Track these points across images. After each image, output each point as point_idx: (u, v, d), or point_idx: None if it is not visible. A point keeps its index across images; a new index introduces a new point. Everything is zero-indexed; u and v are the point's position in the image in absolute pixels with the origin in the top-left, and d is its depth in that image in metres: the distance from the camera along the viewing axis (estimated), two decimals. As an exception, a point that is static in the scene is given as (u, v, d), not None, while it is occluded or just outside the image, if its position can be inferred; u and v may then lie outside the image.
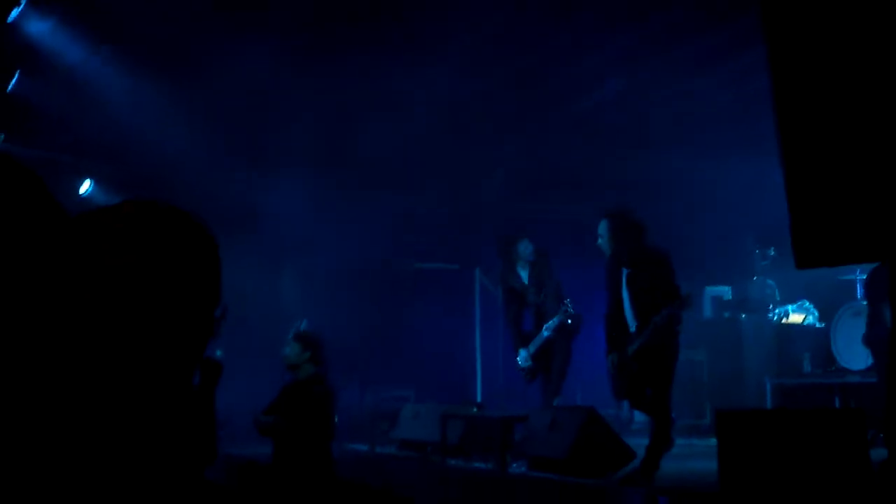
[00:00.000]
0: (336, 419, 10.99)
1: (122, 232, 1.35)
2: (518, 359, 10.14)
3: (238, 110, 11.38)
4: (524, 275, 10.36)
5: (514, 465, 8.47)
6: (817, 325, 12.19)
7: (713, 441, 9.63)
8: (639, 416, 13.08)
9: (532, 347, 10.01)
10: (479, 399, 12.25)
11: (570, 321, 9.79)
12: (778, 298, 12.62)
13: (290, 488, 7.38)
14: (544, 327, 9.90)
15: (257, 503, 7.30)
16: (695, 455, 9.77)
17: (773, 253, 12.56)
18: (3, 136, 9.53)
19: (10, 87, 9.33)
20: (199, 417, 1.21)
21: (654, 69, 11.21)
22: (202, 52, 9.97)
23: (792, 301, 12.35)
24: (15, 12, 7.88)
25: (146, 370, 1.32)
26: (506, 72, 11.29)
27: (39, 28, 9.05)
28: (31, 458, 1.05)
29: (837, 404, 11.56)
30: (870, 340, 10.08)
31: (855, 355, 11.22)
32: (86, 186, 11.96)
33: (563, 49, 10.78)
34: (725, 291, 13.31)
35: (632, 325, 8.20)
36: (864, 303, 10.67)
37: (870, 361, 10.90)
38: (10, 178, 1.06)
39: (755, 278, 12.88)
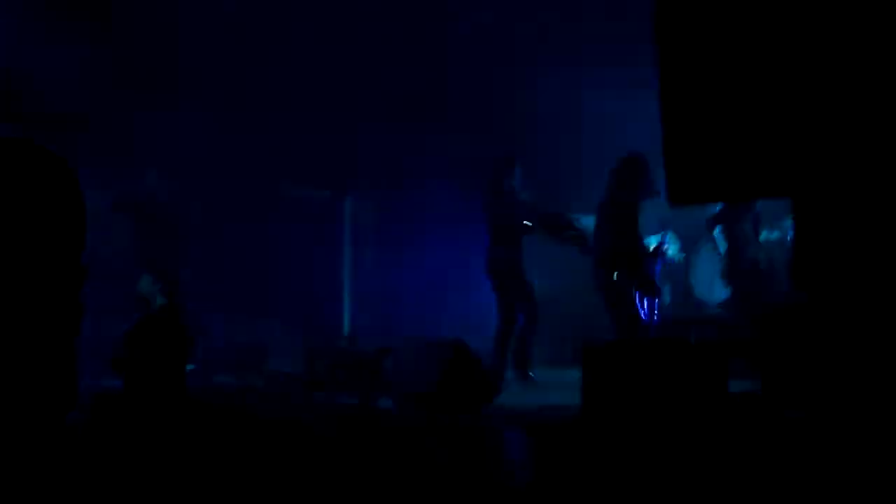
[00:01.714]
0: (199, 352, 10.89)
1: None
2: None
3: (105, 22, 10.93)
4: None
5: (381, 400, 8.46)
6: (677, 257, 12.45)
7: (574, 373, 9.88)
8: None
9: None
10: (346, 332, 12.21)
11: None
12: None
13: (141, 413, 7.31)
14: None
15: (109, 435, 7.18)
16: (560, 388, 9.93)
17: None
18: None
19: None
20: (60, 363, 1.17)
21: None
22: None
23: (654, 232, 12.59)
24: None
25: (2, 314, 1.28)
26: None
27: None
28: None
29: (693, 338, 11.91)
30: (730, 270, 10.40)
31: (713, 290, 11.54)
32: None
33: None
34: (589, 221, 13.44)
35: None
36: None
37: (725, 295, 11.24)
38: None
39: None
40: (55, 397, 1.35)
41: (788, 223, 10.17)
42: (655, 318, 9.21)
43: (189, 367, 8.14)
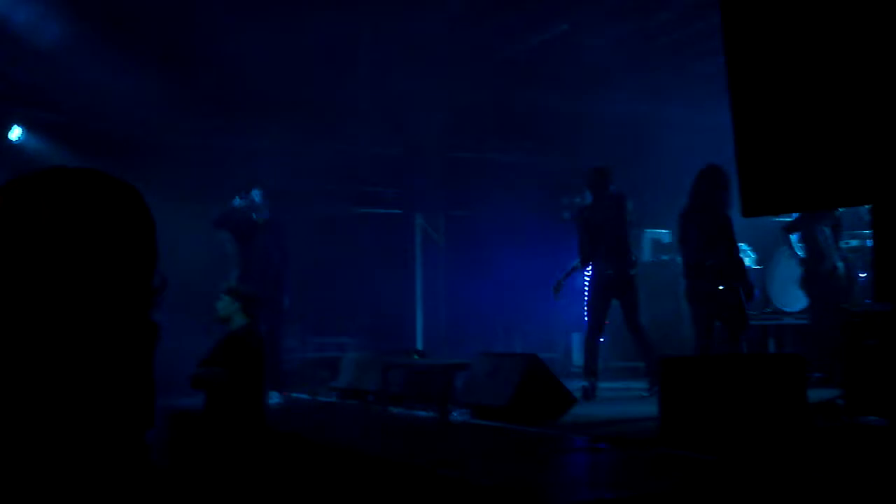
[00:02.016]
0: (274, 369, 11.02)
1: (49, 202, 1.31)
2: None
3: (177, 50, 11.13)
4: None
5: (456, 413, 8.48)
6: (754, 267, 12.31)
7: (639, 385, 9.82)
8: (577, 360, 13.23)
9: None
10: (419, 346, 12.25)
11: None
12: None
13: (220, 437, 7.41)
14: None
15: (193, 454, 7.27)
16: (634, 399, 9.88)
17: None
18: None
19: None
20: (137, 382, 1.19)
21: (594, 11, 11.14)
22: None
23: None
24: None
25: (78, 338, 1.29)
26: (448, 13, 11.17)
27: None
28: None
29: (772, 346, 11.77)
30: (808, 279, 10.26)
31: (790, 297, 11.38)
32: (16, 133, 11.64)
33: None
34: (664, 234, 13.39)
35: None
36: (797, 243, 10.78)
37: (804, 303, 11.08)
38: None
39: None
40: (133, 416, 1.36)
41: (868, 231, 10.01)
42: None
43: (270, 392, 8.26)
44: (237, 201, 10.55)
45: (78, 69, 10.82)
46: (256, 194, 10.60)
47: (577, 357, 13.05)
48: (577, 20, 11.51)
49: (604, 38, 11.78)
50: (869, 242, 10.05)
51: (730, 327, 9.15)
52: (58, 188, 1.34)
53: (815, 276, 10.45)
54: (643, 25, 11.50)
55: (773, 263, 11.58)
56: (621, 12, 11.02)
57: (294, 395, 10.98)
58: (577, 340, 13.47)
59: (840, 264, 10.41)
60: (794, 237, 10.74)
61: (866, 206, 9.36)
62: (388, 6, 10.79)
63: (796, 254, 10.71)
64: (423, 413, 8.71)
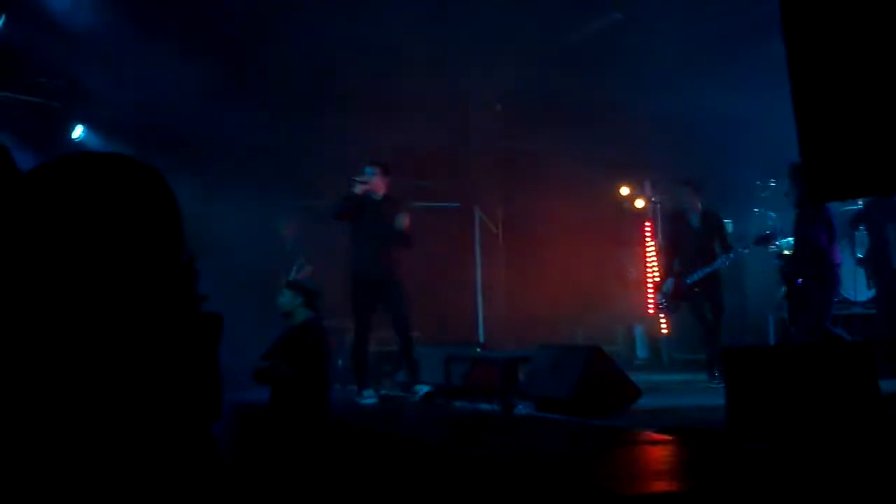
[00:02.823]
0: (339, 363, 11.07)
1: (73, 186, 1.32)
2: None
3: (235, 45, 11.22)
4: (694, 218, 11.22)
5: (520, 405, 8.45)
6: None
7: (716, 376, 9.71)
8: (640, 353, 13.14)
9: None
10: (481, 339, 12.22)
11: None
12: (780, 230, 12.52)
13: (287, 432, 7.45)
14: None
15: (259, 449, 7.33)
16: (698, 391, 9.79)
17: (773, 184, 12.45)
18: (-8, 84, 9.38)
19: (-4, 32, 9.15)
20: (204, 374, 1.20)
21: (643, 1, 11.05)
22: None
23: (789, 234, 12.26)
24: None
25: (133, 326, 1.30)
26: (497, 4, 11.13)
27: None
28: (30, 415, 1.01)
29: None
30: (875, 269, 10.08)
31: (858, 286, 11.19)
32: (78, 132, 11.82)
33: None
34: (728, 224, 13.21)
35: None
36: (864, 232, 10.64)
37: (872, 293, 10.88)
38: None
39: (756, 211, 12.78)
40: (200, 407, 1.36)
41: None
42: None
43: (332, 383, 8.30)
44: (356, 187, 9.94)
45: (137, 67, 10.95)
46: (370, 172, 10.09)
47: (641, 349, 12.96)
48: (631, 9, 11.39)
49: (658, 27, 11.65)
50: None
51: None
52: (84, 172, 1.34)
53: (881, 267, 10.28)
54: (697, 14, 11.34)
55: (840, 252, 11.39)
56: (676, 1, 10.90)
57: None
58: (639, 333, 13.37)
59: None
60: (860, 229, 10.61)
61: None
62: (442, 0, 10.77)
63: (855, 246, 10.58)
64: (486, 406, 8.68)
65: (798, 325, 9.16)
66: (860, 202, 10.98)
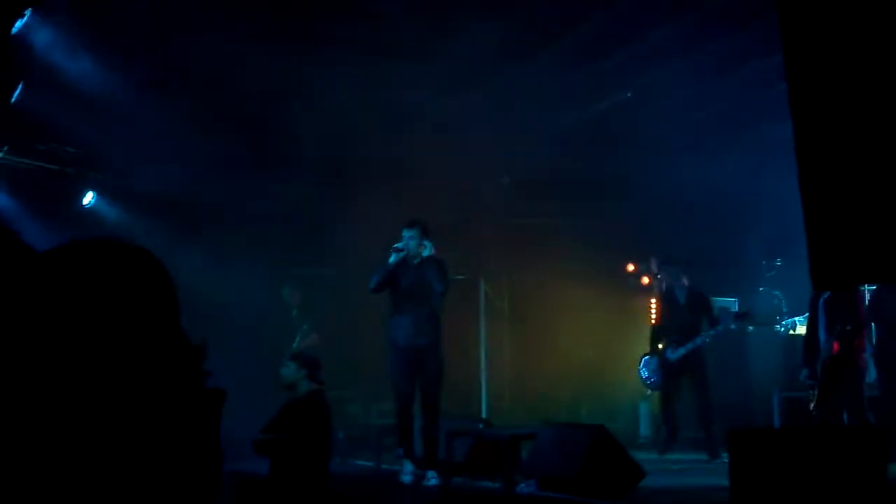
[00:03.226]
0: (340, 435, 10.98)
1: (81, 271, 1.36)
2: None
3: (246, 116, 11.35)
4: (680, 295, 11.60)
5: (523, 484, 8.37)
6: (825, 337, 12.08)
7: (723, 457, 9.63)
8: (644, 431, 13.04)
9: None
10: (484, 415, 12.15)
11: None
12: (785, 310, 12.51)
13: (286, 502, 7.37)
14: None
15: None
16: (702, 472, 9.69)
17: (779, 263, 12.48)
18: (6, 149, 9.47)
19: (13, 98, 9.25)
20: (206, 450, 1.19)
21: (655, 78, 11.14)
22: (205, 62, 9.93)
23: (799, 312, 12.22)
24: (19, 24, 7.81)
25: (135, 405, 1.32)
26: (507, 80, 11.26)
27: (42, 40, 8.98)
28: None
29: (846, 417, 11.47)
30: (881, 357, 10.04)
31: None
32: (89, 198, 11.90)
33: (569, 55, 10.75)
34: (732, 303, 13.21)
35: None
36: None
37: (874, 375, 10.82)
38: None
39: (761, 289, 12.79)
40: (202, 485, 1.37)
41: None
42: None
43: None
44: (393, 257, 9.43)
45: (149, 135, 11.07)
46: (408, 234, 9.54)
47: (644, 427, 12.87)
48: (641, 88, 11.50)
49: (667, 106, 11.77)
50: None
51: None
52: (94, 258, 1.38)
53: (885, 351, 10.26)
54: (706, 94, 11.45)
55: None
56: (683, 79, 11.00)
57: (358, 462, 10.95)
58: (644, 410, 13.28)
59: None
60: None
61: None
62: (451, 74, 10.91)
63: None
64: (488, 483, 8.61)
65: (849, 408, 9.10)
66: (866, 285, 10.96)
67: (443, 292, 9.51)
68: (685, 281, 11.53)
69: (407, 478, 9.13)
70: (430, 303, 9.52)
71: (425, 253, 9.53)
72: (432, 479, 8.98)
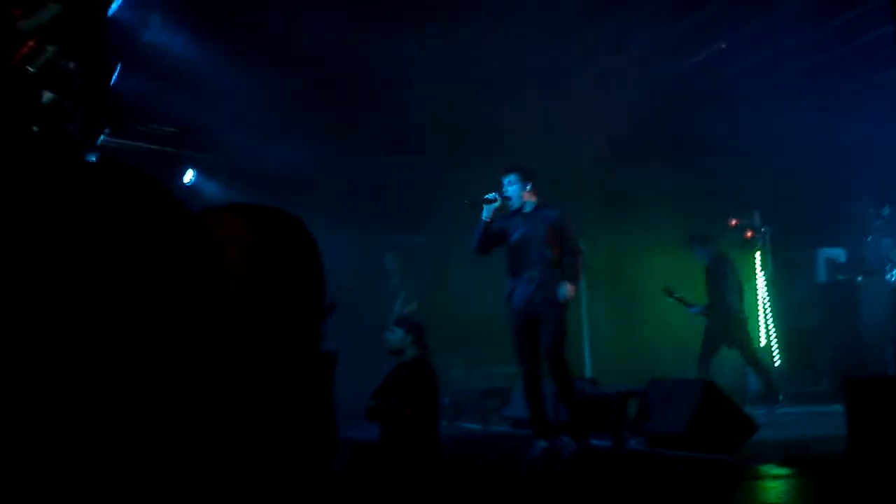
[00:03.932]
0: (445, 400, 11.05)
1: (234, 235, 1.40)
2: None
3: (342, 89, 11.42)
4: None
5: (632, 441, 8.31)
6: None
7: (832, 408, 9.44)
8: (752, 386, 12.84)
9: None
10: (588, 374, 12.09)
11: None
12: (894, 259, 12.17)
13: (399, 470, 7.44)
14: None
15: (372, 487, 7.35)
16: (815, 424, 9.52)
17: (887, 212, 12.12)
18: (108, 131, 9.67)
19: (112, 81, 9.43)
20: (321, 412, 1.22)
21: (749, 28, 10.89)
22: (301, 35, 10.00)
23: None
24: (115, 6, 7.95)
25: (265, 367, 1.35)
26: (596, 36, 11.13)
27: (139, 20, 9.14)
28: (168, 454, 1.02)
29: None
30: None
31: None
32: (189, 176, 12.12)
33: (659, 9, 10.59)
34: (840, 253, 12.90)
35: None
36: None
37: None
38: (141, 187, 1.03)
39: (870, 238, 12.45)
40: (318, 446, 1.38)
41: None
42: None
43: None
44: (485, 211, 8.41)
45: (244, 112, 11.21)
46: (507, 182, 8.47)
47: (752, 383, 12.66)
48: (735, 37, 11.25)
49: (764, 55, 11.49)
50: None
51: None
52: (241, 222, 1.39)
53: None
54: (807, 40, 11.15)
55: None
56: (779, 28, 10.72)
57: (465, 424, 11.01)
58: (751, 365, 13.10)
59: None
60: None
61: None
62: (547, 32, 10.80)
63: None
64: (596, 442, 8.56)
65: None
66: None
67: (568, 247, 8.32)
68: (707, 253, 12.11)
69: (535, 453, 8.20)
70: (548, 255, 8.27)
71: (532, 201, 8.46)
72: (569, 445, 8.12)
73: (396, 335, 7.90)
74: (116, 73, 9.46)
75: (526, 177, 8.49)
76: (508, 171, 8.53)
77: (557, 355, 8.19)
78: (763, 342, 13.00)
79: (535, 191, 8.52)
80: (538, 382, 8.34)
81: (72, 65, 6.51)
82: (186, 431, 1.00)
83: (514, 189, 8.42)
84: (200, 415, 1.01)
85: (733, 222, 13.76)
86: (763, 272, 13.42)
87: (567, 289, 8.11)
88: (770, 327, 13.12)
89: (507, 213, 8.47)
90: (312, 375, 1.43)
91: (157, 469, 0.98)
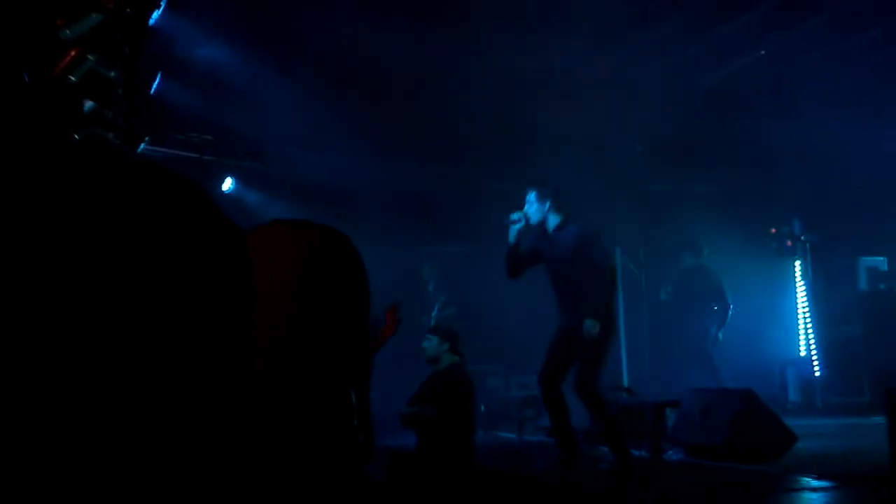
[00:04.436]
0: (482, 408, 11.05)
1: (284, 252, 1.42)
2: None
3: (380, 96, 11.46)
4: None
5: (670, 451, 8.25)
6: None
7: (874, 419, 9.32)
8: (792, 397, 12.73)
9: None
10: (626, 383, 12.03)
11: None
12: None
13: (434, 477, 7.44)
14: None
15: (408, 494, 7.37)
16: (858, 435, 9.40)
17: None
18: (148, 140, 9.76)
19: (152, 89, 9.52)
20: (359, 418, 1.25)
21: (793, 35, 10.82)
22: (338, 45, 10.06)
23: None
24: (156, 15, 8.01)
25: (308, 378, 1.38)
26: (635, 44, 11.09)
27: (179, 29, 9.22)
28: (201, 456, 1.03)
29: None
30: None
31: None
32: (228, 184, 12.19)
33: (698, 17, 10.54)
34: (881, 262, 12.77)
35: None
36: None
37: None
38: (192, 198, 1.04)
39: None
40: (354, 450, 1.41)
41: None
42: None
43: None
44: (512, 234, 8.03)
45: (284, 120, 11.28)
46: (528, 201, 8.07)
47: (793, 393, 12.56)
48: (775, 45, 11.18)
49: (802, 60, 11.42)
50: None
51: None
52: (300, 240, 1.42)
53: None
54: (846, 47, 11.07)
55: None
56: (816, 37, 10.66)
57: (501, 434, 10.99)
58: (791, 374, 12.96)
59: None
60: None
61: None
62: (582, 39, 10.78)
63: None
64: (634, 452, 8.50)
65: None
66: None
67: (589, 268, 7.78)
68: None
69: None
70: (571, 277, 7.87)
71: (554, 219, 8.01)
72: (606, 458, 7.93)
73: (432, 343, 7.94)
74: (157, 82, 9.55)
75: (544, 194, 8.03)
76: (530, 188, 8.12)
77: (585, 387, 7.74)
78: (803, 352, 12.89)
79: (559, 206, 8.04)
80: (555, 398, 7.89)
81: (113, 74, 6.57)
82: (197, 437, 1.00)
83: (534, 208, 8.02)
84: (213, 419, 1.02)
85: (773, 230, 13.67)
86: (804, 281, 13.31)
87: (589, 325, 7.55)
88: (810, 337, 13.01)
89: (538, 231, 8.11)
90: (353, 384, 1.46)
91: (182, 472, 0.98)
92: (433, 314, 11.67)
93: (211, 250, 1.01)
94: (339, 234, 1.50)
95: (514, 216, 7.97)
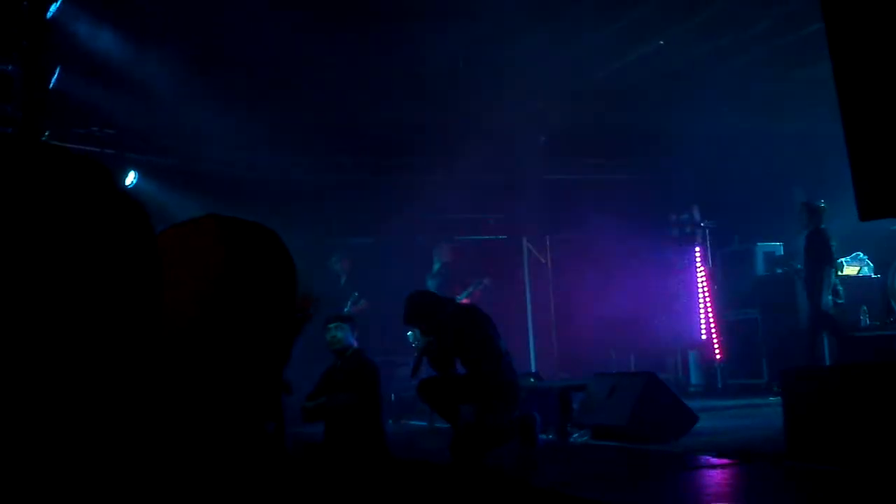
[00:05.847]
0: (392, 397, 11.09)
1: (207, 248, 1.39)
2: None
3: (285, 87, 11.41)
4: None
5: (576, 434, 8.43)
6: (873, 276, 11.99)
7: (771, 400, 9.65)
8: (694, 380, 13.07)
9: None
10: (533, 368, 12.21)
11: None
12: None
13: (344, 465, 7.42)
14: None
15: (319, 483, 7.38)
16: (755, 415, 9.71)
17: (822, 205, 12.37)
18: (47, 134, 9.58)
19: (51, 83, 9.35)
20: (271, 408, 1.26)
21: (688, 26, 11.06)
22: (235, 38, 10.00)
23: (845, 253, 12.10)
24: (53, 8, 7.88)
25: (221, 373, 1.35)
26: (540, 36, 11.22)
27: (78, 22, 9.07)
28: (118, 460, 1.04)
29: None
30: None
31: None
32: (130, 178, 12.02)
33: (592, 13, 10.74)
34: (777, 247, 13.14)
35: None
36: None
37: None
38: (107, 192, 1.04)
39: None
40: (265, 441, 1.41)
41: None
42: None
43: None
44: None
45: (185, 114, 11.16)
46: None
47: (694, 375, 12.89)
48: (673, 35, 11.41)
49: (700, 51, 11.67)
50: None
51: None
52: (224, 237, 1.43)
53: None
54: (737, 38, 11.36)
55: (893, 271, 11.26)
56: (714, 26, 10.92)
57: (411, 422, 11.06)
58: (693, 359, 13.29)
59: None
60: None
61: None
62: (482, 34, 10.87)
63: None
64: (541, 436, 8.66)
65: None
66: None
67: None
68: None
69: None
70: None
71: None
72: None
73: (344, 332, 7.86)
74: (56, 76, 9.38)
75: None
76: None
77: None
78: (704, 336, 13.22)
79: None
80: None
81: (10, 67, 6.46)
82: (96, 417, 1.01)
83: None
84: (113, 402, 1.03)
85: (673, 217, 13.98)
86: (703, 266, 13.64)
87: None
88: (711, 321, 13.34)
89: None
90: (268, 377, 1.46)
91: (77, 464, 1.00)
92: (346, 309, 11.65)
93: (112, 226, 1.00)
94: (268, 230, 1.50)
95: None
